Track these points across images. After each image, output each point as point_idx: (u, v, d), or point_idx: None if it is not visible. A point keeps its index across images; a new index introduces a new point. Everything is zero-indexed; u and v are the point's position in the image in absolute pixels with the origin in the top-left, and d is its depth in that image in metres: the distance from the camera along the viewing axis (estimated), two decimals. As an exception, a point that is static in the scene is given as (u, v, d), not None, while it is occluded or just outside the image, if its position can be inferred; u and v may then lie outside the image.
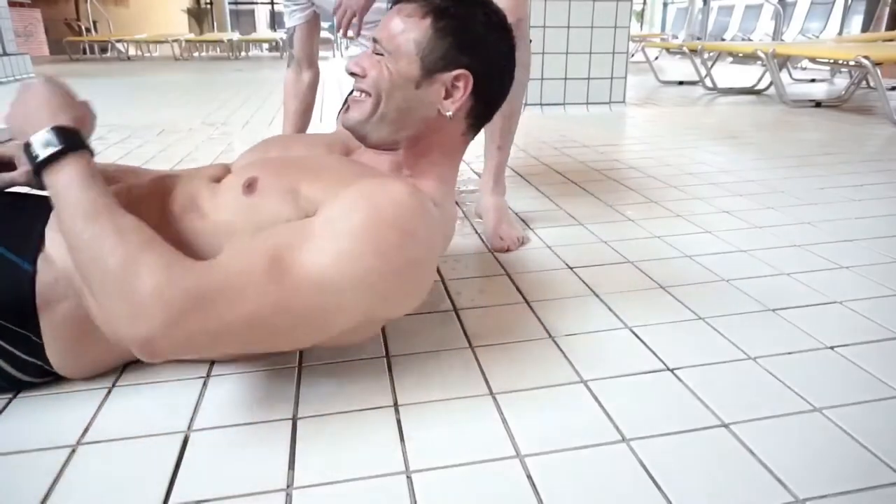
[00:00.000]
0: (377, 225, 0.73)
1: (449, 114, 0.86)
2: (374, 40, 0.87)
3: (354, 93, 0.89)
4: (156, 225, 0.75)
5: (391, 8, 0.89)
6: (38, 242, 0.80)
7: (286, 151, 0.97)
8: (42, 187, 0.74)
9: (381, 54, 0.86)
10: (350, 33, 1.42)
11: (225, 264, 0.71)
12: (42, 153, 0.72)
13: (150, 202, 0.84)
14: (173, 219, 0.83)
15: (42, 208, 0.82)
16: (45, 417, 0.81)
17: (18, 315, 0.77)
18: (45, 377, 0.84)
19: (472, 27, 0.86)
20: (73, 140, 0.73)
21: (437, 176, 0.91)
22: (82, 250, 0.69)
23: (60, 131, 0.73)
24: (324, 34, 1.82)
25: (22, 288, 0.77)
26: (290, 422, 0.80)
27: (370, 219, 0.73)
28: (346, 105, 0.89)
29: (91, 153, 0.75)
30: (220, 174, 0.91)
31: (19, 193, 0.89)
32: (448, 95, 0.86)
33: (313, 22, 1.70)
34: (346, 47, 9.12)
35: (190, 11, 12.51)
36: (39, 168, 0.72)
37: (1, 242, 0.79)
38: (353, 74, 0.88)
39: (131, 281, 0.66)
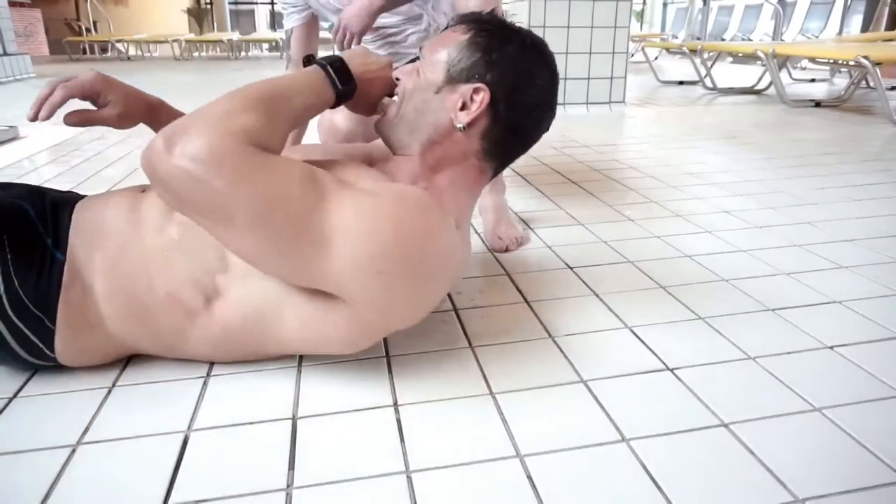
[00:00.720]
0: (404, 211, 0.77)
1: (460, 125, 0.86)
2: (420, 48, 0.92)
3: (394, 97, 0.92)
4: (169, 221, 0.84)
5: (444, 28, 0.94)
6: (66, 238, 0.86)
7: (307, 156, 0.97)
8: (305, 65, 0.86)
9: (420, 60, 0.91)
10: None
11: (280, 158, 0.76)
12: (332, 69, 0.84)
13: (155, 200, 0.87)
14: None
15: (69, 210, 0.89)
16: (45, 417, 0.81)
17: (44, 300, 0.82)
18: (45, 361, 0.86)
19: (504, 48, 0.87)
20: (346, 88, 0.85)
21: (454, 203, 0.90)
22: (238, 94, 0.76)
23: (348, 77, 0.85)
24: (323, 34, 1.81)
25: (53, 275, 0.83)
26: (290, 422, 0.80)
27: (398, 205, 0.78)
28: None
29: (337, 102, 0.86)
30: None
31: (57, 191, 0.95)
32: (465, 108, 0.87)
33: (311, 23, 1.70)
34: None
35: (190, 11, 12.52)
36: (323, 68, 0.84)
37: (46, 232, 0.85)
38: (397, 79, 0.92)
39: (226, 116, 0.72)
